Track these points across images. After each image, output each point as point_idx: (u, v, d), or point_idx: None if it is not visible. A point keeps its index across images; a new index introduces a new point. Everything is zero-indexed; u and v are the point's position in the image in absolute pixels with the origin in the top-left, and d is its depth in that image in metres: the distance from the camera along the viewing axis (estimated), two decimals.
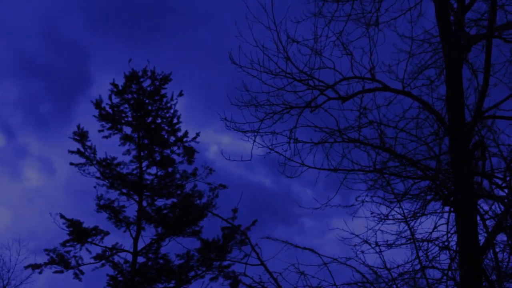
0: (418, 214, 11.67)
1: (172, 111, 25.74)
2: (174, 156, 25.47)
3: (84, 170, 24.95)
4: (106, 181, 24.76)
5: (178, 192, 24.86)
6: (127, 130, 25.54)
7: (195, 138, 25.69)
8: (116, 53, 50.85)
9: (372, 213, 11.49)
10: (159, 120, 25.63)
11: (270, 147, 11.20)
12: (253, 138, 11.15)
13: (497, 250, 11.36)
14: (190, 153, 25.51)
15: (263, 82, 11.05)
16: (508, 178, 10.98)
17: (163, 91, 25.81)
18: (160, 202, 24.93)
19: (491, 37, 10.57)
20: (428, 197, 11.48)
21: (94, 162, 24.88)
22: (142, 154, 25.27)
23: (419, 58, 11.35)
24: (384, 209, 11.72)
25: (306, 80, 11.02)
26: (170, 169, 25.20)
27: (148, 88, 25.69)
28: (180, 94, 25.97)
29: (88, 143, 25.07)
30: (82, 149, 24.98)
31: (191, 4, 48.63)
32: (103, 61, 51.05)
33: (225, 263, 23.76)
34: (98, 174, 24.84)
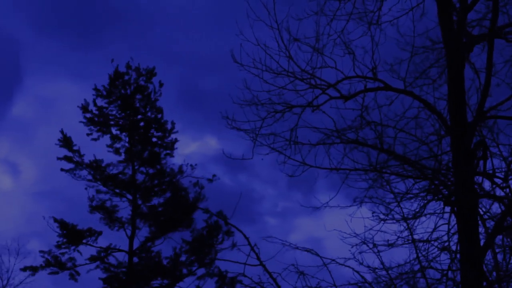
0: (418, 214, 11.70)
1: (158, 104, 25.79)
2: (158, 150, 25.46)
3: (75, 174, 24.95)
4: (98, 182, 24.72)
5: (170, 190, 24.87)
6: (116, 131, 25.57)
7: (173, 128, 25.75)
8: (53, 52, 50.30)
9: (373, 212, 11.51)
10: (147, 118, 25.61)
11: (271, 145, 11.18)
12: (254, 137, 11.12)
13: (497, 250, 11.41)
14: (170, 146, 25.57)
15: (264, 81, 11.02)
16: (509, 178, 11.00)
17: (149, 86, 25.83)
18: (153, 200, 24.98)
19: (493, 38, 10.58)
20: (429, 197, 11.49)
21: (84, 166, 24.83)
22: (133, 153, 25.23)
23: (421, 57, 11.36)
24: (383, 209, 11.77)
25: (308, 79, 11.00)
26: (158, 166, 25.23)
27: (134, 85, 25.62)
28: (161, 85, 25.92)
29: (75, 148, 25.05)
30: (70, 154, 24.96)
31: (136, 6, 48.62)
32: (38, 59, 50.54)
33: (207, 260, 23.81)
34: (89, 177, 24.86)
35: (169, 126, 25.74)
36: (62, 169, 25.03)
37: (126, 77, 25.73)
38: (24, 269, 24.05)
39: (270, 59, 10.93)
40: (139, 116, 25.68)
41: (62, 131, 25.03)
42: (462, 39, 10.65)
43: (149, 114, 25.79)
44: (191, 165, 25.35)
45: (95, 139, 25.47)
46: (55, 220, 24.37)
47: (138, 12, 49.21)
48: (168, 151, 25.58)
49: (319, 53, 10.96)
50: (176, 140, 25.78)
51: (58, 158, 25.02)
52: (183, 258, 24.25)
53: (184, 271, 24.11)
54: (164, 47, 46.76)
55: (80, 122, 25.39)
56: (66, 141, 24.99)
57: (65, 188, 43.40)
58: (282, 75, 11.05)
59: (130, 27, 50.42)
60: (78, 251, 24.23)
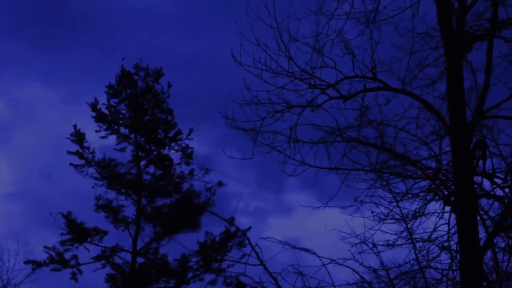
0: (417, 214, 11.69)
1: (166, 105, 25.70)
2: (172, 156, 25.45)
3: (82, 171, 24.97)
4: (105, 181, 24.72)
5: (176, 191, 24.83)
6: (125, 130, 25.52)
7: (189, 134, 25.68)
8: (19, 53, 50.04)
9: (372, 212, 11.51)
10: (155, 118, 25.58)
11: (271, 145, 11.20)
12: (255, 136, 11.14)
13: (497, 250, 11.37)
14: (188, 155, 25.49)
15: (264, 81, 11.05)
16: (509, 178, 10.98)
17: (157, 86, 25.79)
18: (158, 202, 24.92)
19: (492, 37, 10.58)
20: (429, 197, 11.48)
21: (93, 163, 24.85)
22: (140, 153, 25.23)
23: (420, 57, 11.34)
24: (383, 209, 11.77)
25: (308, 79, 11.02)
26: (167, 169, 25.16)
27: (142, 86, 25.61)
28: (169, 86, 25.83)
29: (86, 144, 25.05)
30: (80, 150, 24.96)
31: (102, 7, 48.47)
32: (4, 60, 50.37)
33: (224, 266, 23.72)
34: (96, 175, 24.86)
35: (186, 130, 25.69)
36: (71, 164, 24.96)
37: (135, 77, 25.69)
38: (27, 262, 24.11)
39: (268, 59, 10.98)
40: (147, 117, 25.66)
41: (75, 127, 25.07)
42: (462, 39, 10.65)
43: (158, 115, 25.75)
44: (205, 169, 25.25)
45: (103, 137, 25.47)
46: (63, 216, 24.40)
47: (104, 13, 49.16)
48: (185, 159, 25.43)
49: (319, 53, 10.98)
50: (188, 147, 25.62)
51: (69, 152, 24.93)
52: (189, 261, 24.25)
53: (190, 274, 24.11)
54: (132, 48, 46.73)
55: (91, 117, 25.35)
56: (78, 136, 24.98)
57: (41, 189, 43.61)
58: (282, 74, 11.08)
59: (96, 28, 50.30)
60: (86, 247, 24.28)
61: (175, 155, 25.57)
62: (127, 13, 48.19)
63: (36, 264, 23.90)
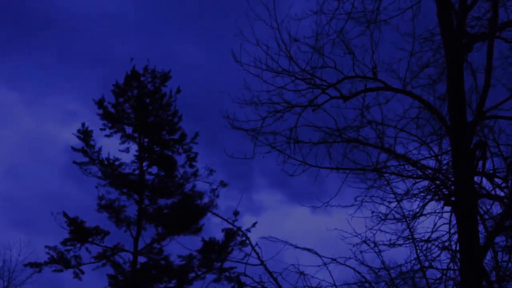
0: (417, 214, 11.69)
1: (172, 108, 25.74)
2: (176, 158, 25.46)
3: (85, 169, 24.95)
4: (107, 180, 24.73)
5: (179, 191, 24.84)
6: (129, 129, 25.57)
7: (194, 138, 25.68)
8: None
9: (372, 212, 11.50)
10: (160, 119, 25.58)
11: (272, 145, 11.22)
12: (256, 136, 11.16)
13: (497, 250, 11.37)
14: (192, 158, 25.50)
15: (264, 81, 11.07)
16: (509, 178, 10.97)
17: (163, 89, 25.84)
18: (160, 202, 24.94)
19: (493, 38, 10.59)
20: (428, 197, 11.48)
21: (96, 162, 24.84)
22: (143, 154, 25.23)
23: (421, 57, 11.35)
24: (383, 209, 11.76)
25: (308, 79, 11.04)
26: (170, 170, 25.17)
27: (149, 87, 25.64)
28: (178, 91, 25.87)
29: (92, 143, 25.05)
30: (86, 148, 24.96)
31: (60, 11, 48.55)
32: None
33: (227, 265, 23.74)
34: (99, 174, 24.88)
35: (191, 134, 25.71)
36: (74, 162, 25.03)
37: (143, 78, 25.75)
38: (30, 265, 24.13)
39: (270, 59, 11.00)
40: (152, 118, 25.65)
41: (83, 124, 25.10)
42: (462, 39, 10.66)
43: (163, 116, 25.77)
44: (209, 169, 25.24)
45: (108, 135, 25.52)
46: (65, 215, 24.40)
47: (65, 16, 49.33)
48: (189, 162, 25.42)
49: (319, 53, 11.00)
50: (190, 149, 25.59)
51: (74, 149, 24.98)
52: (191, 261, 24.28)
53: (192, 274, 24.17)
54: (91, 51, 46.81)
55: (97, 114, 25.41)
56: (85, 134, 24.97)
57: (9, 189, 43.64)
58: (283, 74, 11.10)
59: (54, 32, 50.41)
60: (87, 249, 24.31)
61: (179, 158, 25.67)
62: (88, 16, 48.56)
63: (36, 266, 23.92)
